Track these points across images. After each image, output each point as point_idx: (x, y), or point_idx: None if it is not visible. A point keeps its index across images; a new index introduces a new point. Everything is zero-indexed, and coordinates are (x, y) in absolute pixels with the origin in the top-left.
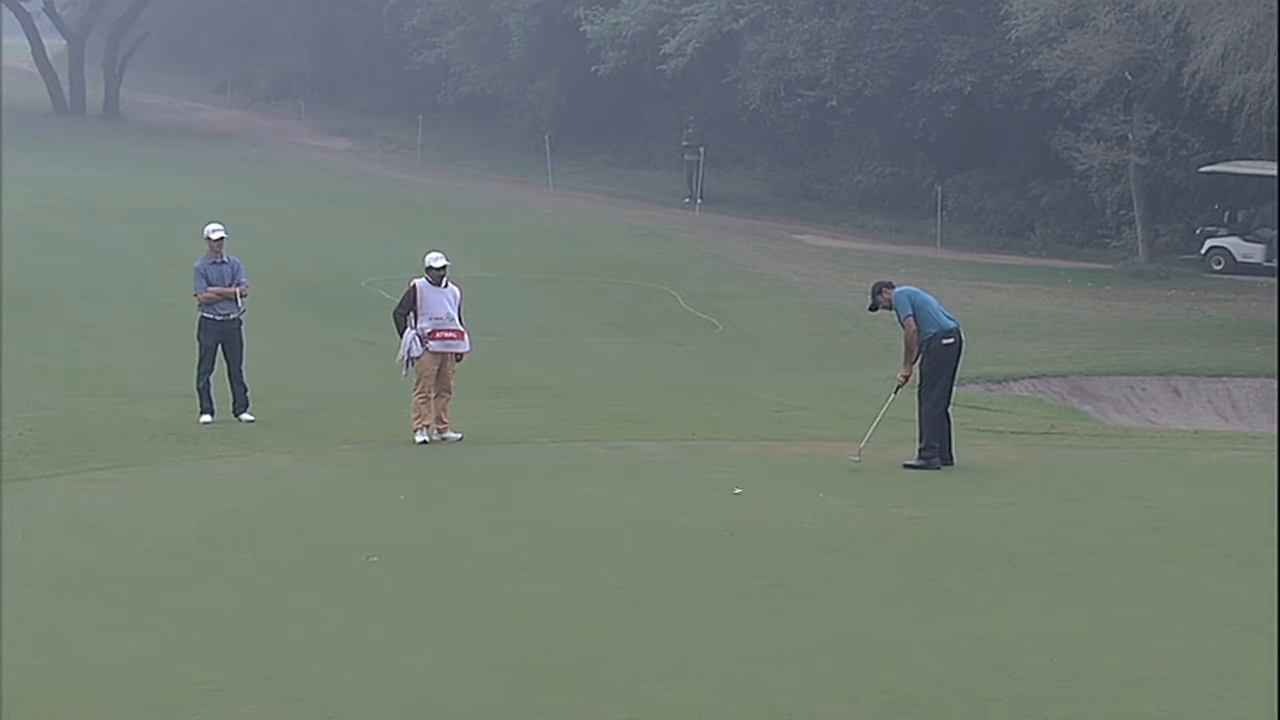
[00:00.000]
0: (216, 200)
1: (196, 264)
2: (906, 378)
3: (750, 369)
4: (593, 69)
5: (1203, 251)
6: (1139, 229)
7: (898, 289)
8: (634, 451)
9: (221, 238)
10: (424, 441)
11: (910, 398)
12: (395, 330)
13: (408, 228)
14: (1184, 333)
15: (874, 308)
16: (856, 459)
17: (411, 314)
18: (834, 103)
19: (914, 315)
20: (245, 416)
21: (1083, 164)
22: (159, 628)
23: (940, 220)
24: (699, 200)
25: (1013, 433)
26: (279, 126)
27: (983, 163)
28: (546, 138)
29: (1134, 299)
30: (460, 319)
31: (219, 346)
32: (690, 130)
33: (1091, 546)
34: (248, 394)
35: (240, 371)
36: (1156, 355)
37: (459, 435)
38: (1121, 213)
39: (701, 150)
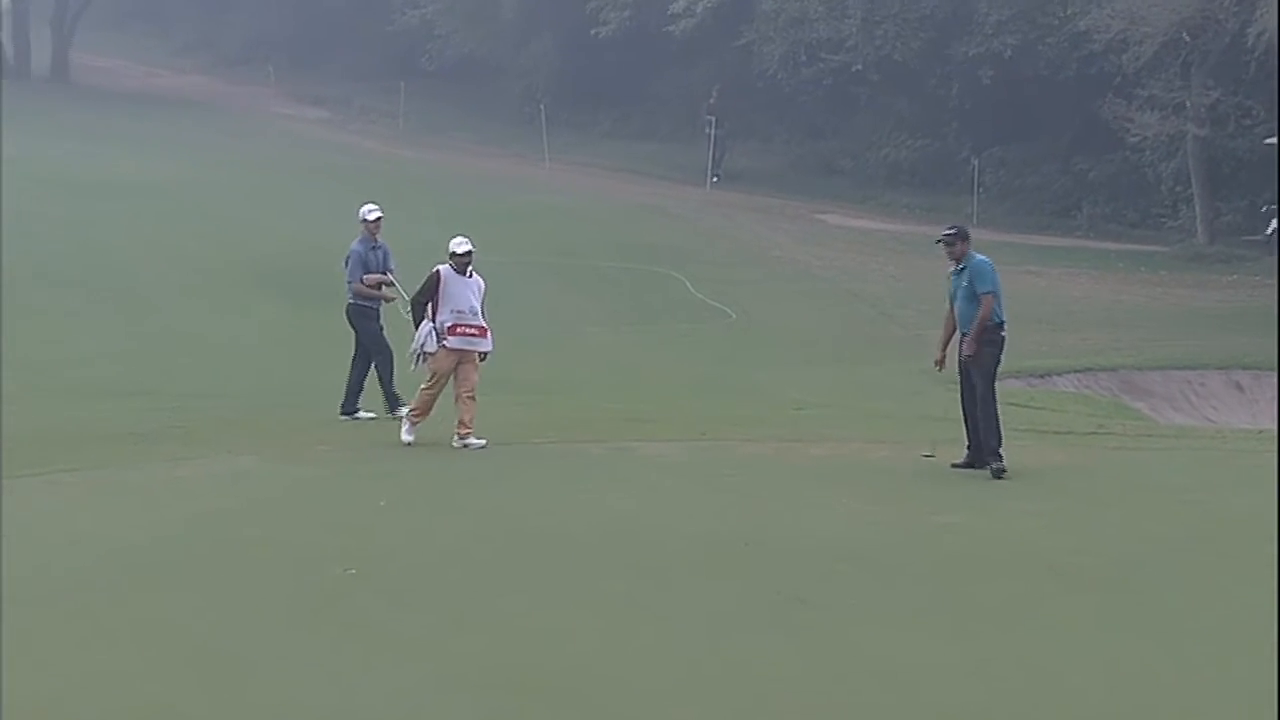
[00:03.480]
0: (179, 174)
1: (355, 246)
2: (972, 357)
3: (766, 362)
4: (593, 31)
5: (1268, 232)
6: (1198, 207)
7: (979, 256)
8: (639, 453)
9: (379, 218)
10: (409, 443)
11: (938, 393)
12: (411, 320)
13: (389, 206)
14: (1247, 322)
15: (948, 245)
16: (930, 455)
17: (431, 304)
18: (859, 68)
19: (994, 293)
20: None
21: (1135, 135)
22: (118, 643)
23: (976, 198)
24: (714, 178)
25: (1057, 432)
26: (247, 94)
27: (1024, 135)
28: (542, 107)
29: (1192, 285)
30: (484, 313)
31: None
32: (714, 100)
33: (1145, 559)
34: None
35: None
36: (1217, 347)
37: (483, 442)
38: (1178, 189)
39: (723, 123)
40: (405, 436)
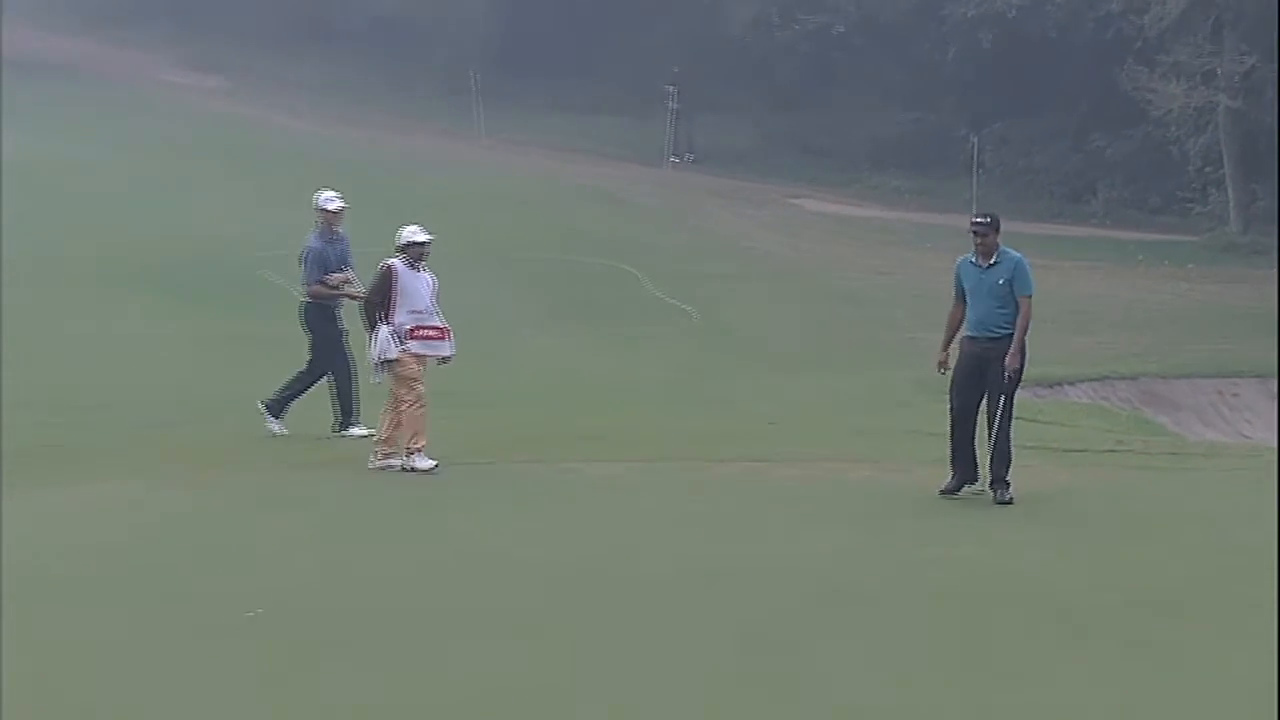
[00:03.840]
0: (46, 154)
1: (312, 242)
2: (1019, 370)
3: (734, 369)
4: None
5: None
6: (1230, 191)
7: (1014, 252)
8: (587, 475)
9: (342, 209)
10: (429, 468)
11: (930, 406)
12: (364, 324)
13: (296, 189)
14: None
15: (980, 236)
16: (981, 488)
17: (385, 305)
18: (841, 30)
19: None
20: (357, 431)
21: (1158, 109)
22: None
23: (976, 180)
24: (674, 158)
25: (1067, 451)
26: (130, 59)
27: (1030, 108)
28: (473, 76)
29: (1224, 279)
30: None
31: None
32: (676, 70)
33: (1168, 600)
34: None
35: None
36: (1253, 351)
37: (433, 463)
38: (1208, 170)
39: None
40: (421, 464)
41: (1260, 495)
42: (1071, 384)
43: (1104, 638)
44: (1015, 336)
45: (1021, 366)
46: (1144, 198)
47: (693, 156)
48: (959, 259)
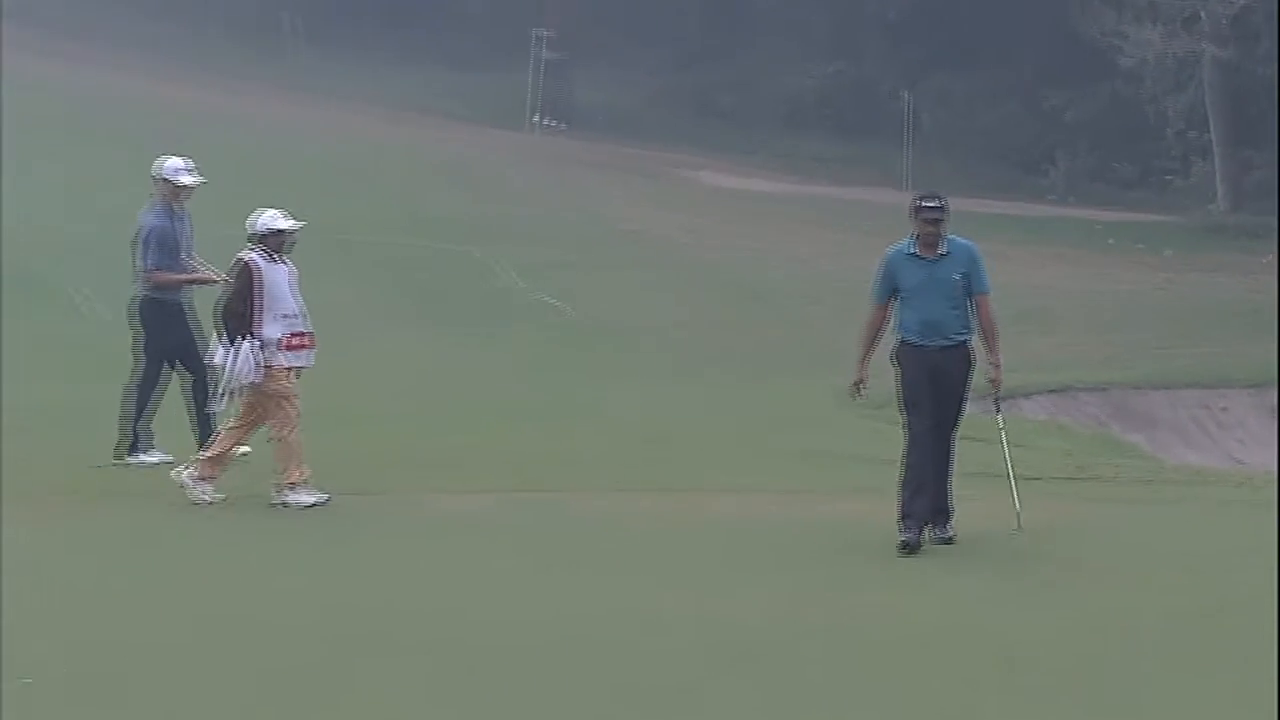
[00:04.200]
0: None
1: (151, 219)
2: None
3: (616, 377)
4: None
5: None
6: (1217, 160)
7: (963, 240)
8: (433, 509)
9: (197, 185)
10: (317, 503)
11: (854, 423)
12: (223, 337)
13: (64, 156)
14: None
15: (931, 222)
16: (1017, 529)
17: (247, 312)
18: None
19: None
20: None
21: (1130, 58)
22: None
23: (909, 147)
24: (543, 120)
25: (1022, 478)
26: None
27: (974, 58)
28: (289, 20)
29: (1211, 268)
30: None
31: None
32: (550, 14)
33: (1139, 657)
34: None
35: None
36: (1246, 356)
37: (319, 498)
38: (1191, 135)
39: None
40: (305, 498)
41: (1255, 533)
42: (1025, 396)
43: (1054, 696)
44: (991, 345)
45: (999, 380)
46: (1113, 169)
47: (566, 120)
48: (888, 250)
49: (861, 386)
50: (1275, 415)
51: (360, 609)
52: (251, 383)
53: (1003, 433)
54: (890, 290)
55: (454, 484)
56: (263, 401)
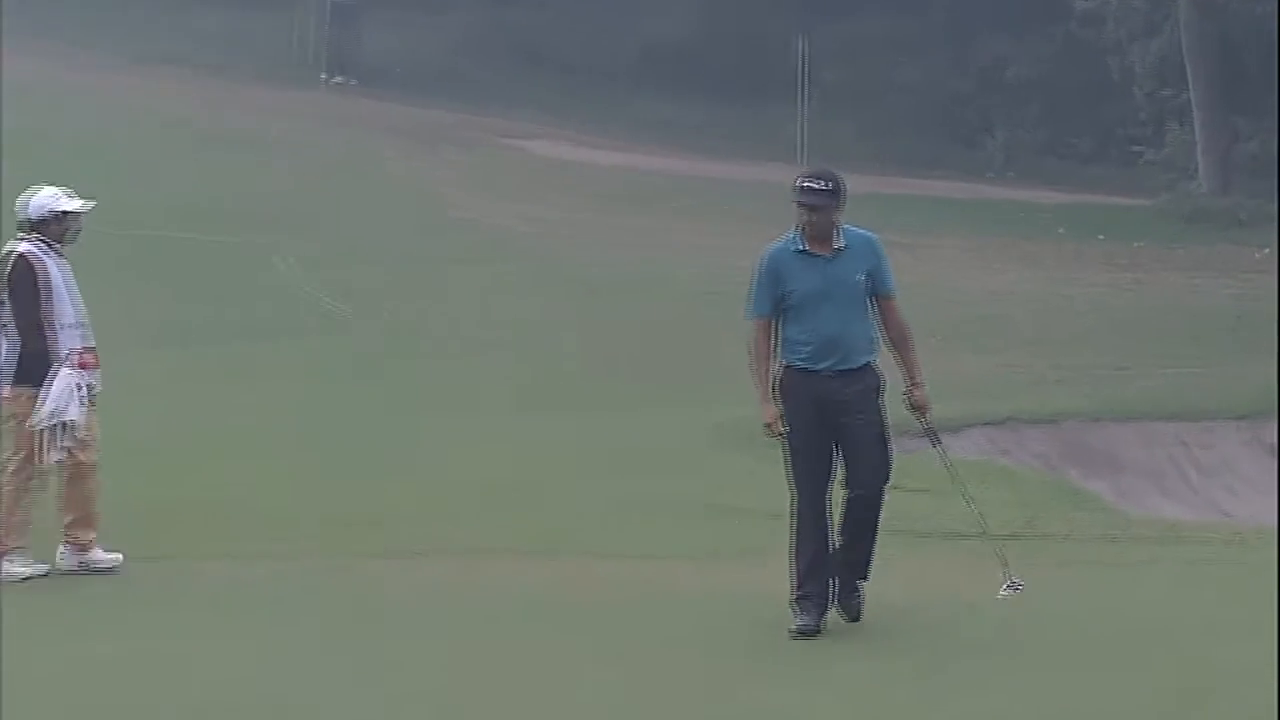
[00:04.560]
0: None
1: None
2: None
3: (423, 406)
4: None
5: None
6: (1198, 126)
7: (863, 231)
8: (191, 578)
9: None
10: (34, 575)
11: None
12: (24, 350)
13: None
14: None
15: (816, 208)
16: (1009, 589)
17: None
18: None
19: None
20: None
21: None
22: None
23: (804, 109)
24: (335, 78)
25: (949, 537)
26: None
27: None
28: None
29: (1190, 265)
30: None
31: None
32: None
33: None
34: None
35: None
36: (1233, 380)
37: (117, 557)
38: (1165, 94)
39: None
40: (104, 558)
41: (1247, 603)
42: (954, 432)
43: None
44: (907, 359)
45: (926, 407)
46: (1066, 139)
47: (354, 74)
48: (769, 248)
49: (777, 426)
50: (1275, 454)
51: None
52: (74, 423)
53: (950, 468)
54: (775, 299)
55: (216, 546)
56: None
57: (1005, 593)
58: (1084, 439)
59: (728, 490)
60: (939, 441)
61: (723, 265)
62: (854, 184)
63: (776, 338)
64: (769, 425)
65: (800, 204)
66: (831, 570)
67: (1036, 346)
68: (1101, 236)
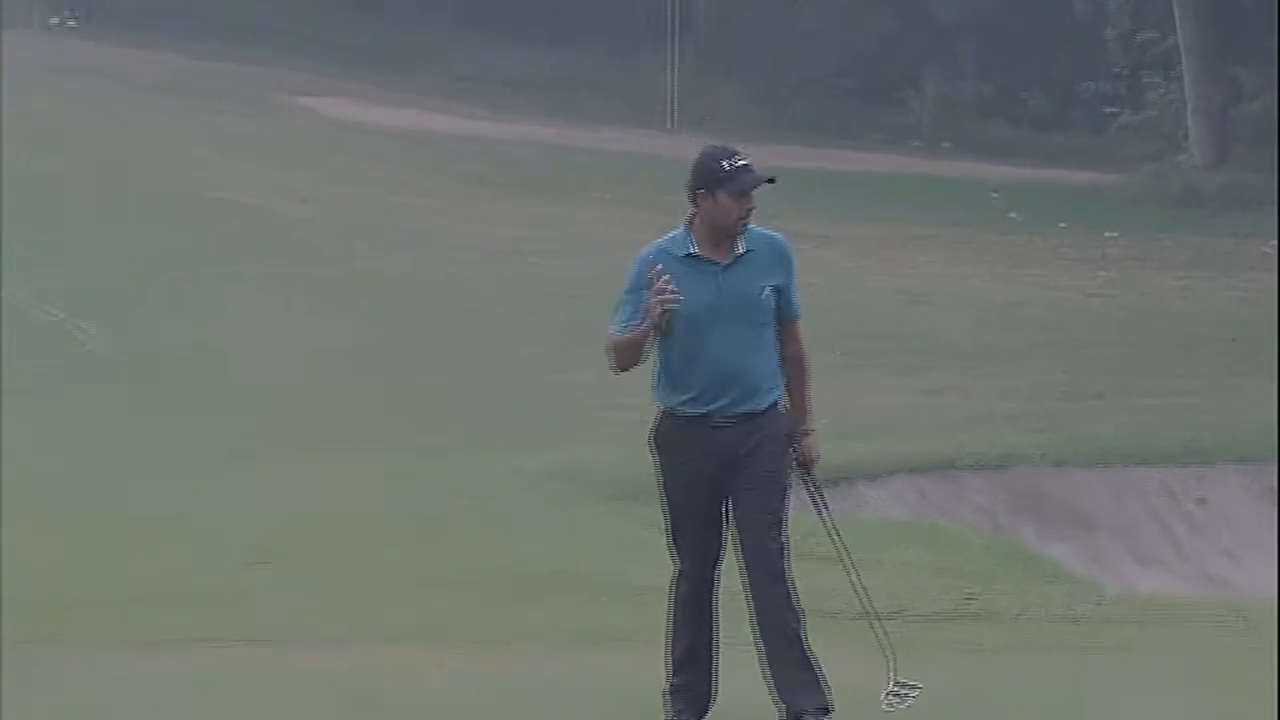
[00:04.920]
0: None
1: None
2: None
3: (186, 448)
4: None
5: None
6: (1187, 82)
7: (770, 231)
8: None
9: None
10: None
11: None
12: None
13: None
14: None
15: (739, 194)
16: (895, 697)
17: None
18: None
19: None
20: None
21: None
22: None
23: (674, 62)
24: (68, 19)
25: (876, 619)
26: None
27: None
28: None
29: (1178, 262)
30: None
31: None
32: None
33: None
34: None
35: None
36: (1231, 412)
37: None
38: (1146, 39)
39: None
40: None
41: (1251, 699)
42: (870, 480)
43: None
44: (800, 399)
45: (813, 460)
46: (1017, 96)
47: (89, 13)
48: (646, 249)
49: (662, 301)
50: (1276, 503)
51: None
52: None
53: (837, 540)
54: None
55: None
56: None
57: (890, 703)
58: (1041, 489)
59: (574, 554)
60: (825, 506)
61: (565, 266)
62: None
63: (660, 375)
64: (657, 306)
65: (732, 192)
66: (714, 659)
67: (979, 368)
68: (1063, 224)
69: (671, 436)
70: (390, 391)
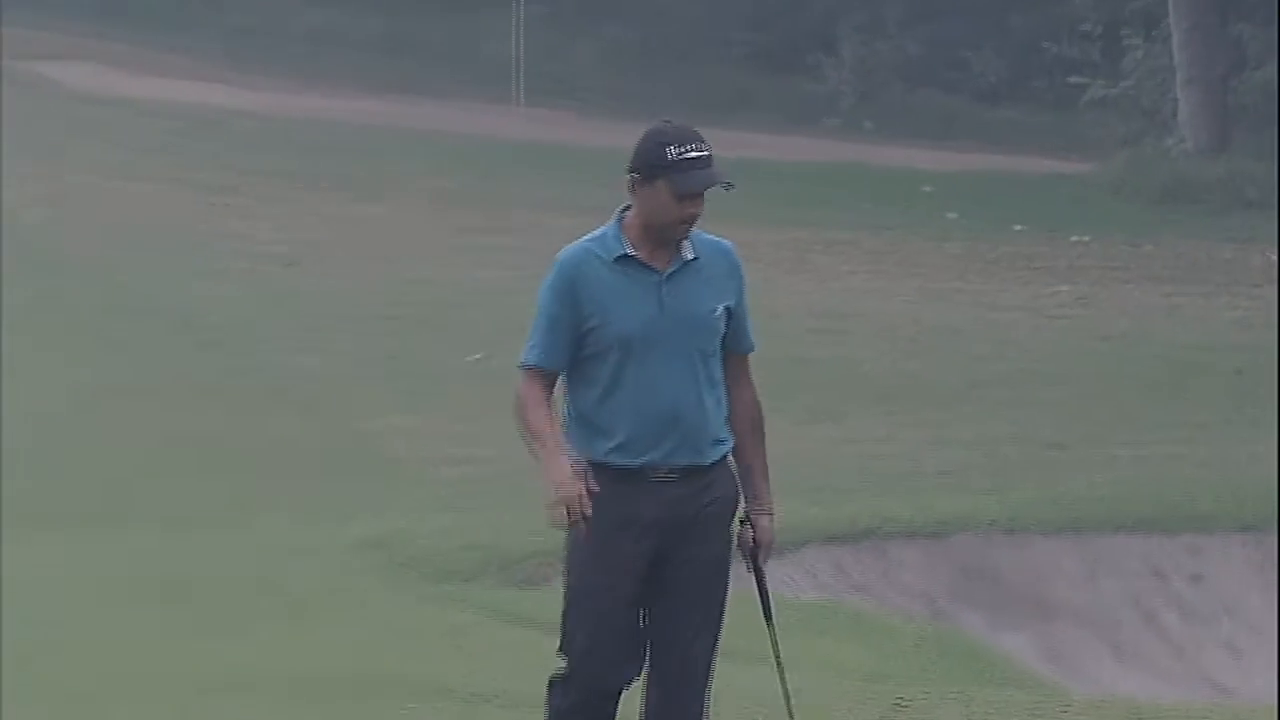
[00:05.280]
0: None
1: None
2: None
3: None
4: None
5: None
6: (1176, 45)
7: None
8: None
9: None
10: None
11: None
12: None
13: None
14: None
15: (703, 171)
16: None
17: None
18: None
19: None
20: None
21: None
22: None
23: (519, 19)
24: None
25: None
26: None
27: None
28: None
29: (1164, 276)
30: None
31: None
32: None
33: None
34: None
35: None
36: (1232, 468)
37: None
38: None
39: None
40: None
41: None
42: (780, 553)
43: None
44: (753, 460)
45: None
46: (957, 59)
47: None
48: (564, 254)
49: (582, 508)
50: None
51: None
52: None
53: (771, 632)
54: (570, 338)
55: None
56: None
57: None
58: (989, 563)
59: (384, 650)
60: (771, 612)
61: (376, 278)
62: (601, 136)
63: (574, 416)
64: (565, 503)
65: (675, 190)
66: None
67: (910, 410)
68: (1018, 227)
69: (597, 501)
70: (143, 442)
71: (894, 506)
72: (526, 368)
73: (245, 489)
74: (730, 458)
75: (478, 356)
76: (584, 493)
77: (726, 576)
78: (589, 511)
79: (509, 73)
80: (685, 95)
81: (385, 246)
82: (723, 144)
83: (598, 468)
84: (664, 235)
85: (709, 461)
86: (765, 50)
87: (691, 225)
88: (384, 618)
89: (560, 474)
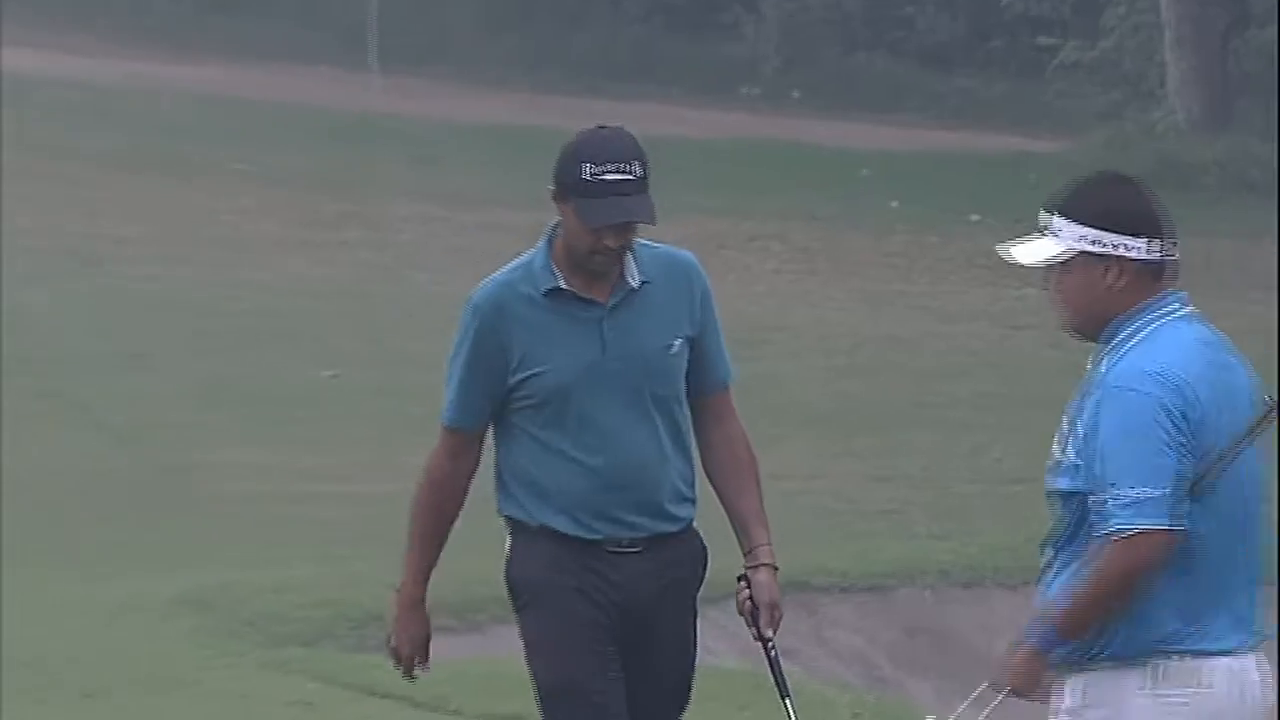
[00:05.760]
0: None
1: None
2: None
3: None
4: None
5: None
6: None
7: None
8: None
9: None
10: None
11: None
12: None
13: None
14: None
15: (630, 219)
16: None
17: None
18: None
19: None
20: None
21: None
22: None
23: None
24: None
25: None
26: None
27: None
28: None
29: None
30: None
31: None
32: None
33: None
34: None
35: None
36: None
37: None
38: None
39: None
40: None
41: None
42: (703, 612)
43: None
44: (746, 511)
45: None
46: (900, 16)
47: None
48: (484, 288)
49: (417, 659)
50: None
51: None
52: None
53: (788, 709)
54: (493, 392)
55: None
56: None
57: None
58: (941, 622)
59: None
60: (787, 688)
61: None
62: (473, 110)
63: (511, 473)
64: (396, 656)
65: (585, 219)
66: None
67: (846, 439)
68: (975, 217)
69: (537, 575)
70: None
71: (826, 555)
72: (444, 428)
73: (40, 535)
74: (695, 526)
75: (331, 374)
76: (415, 660)
77: (694, 649)
78: (421, 671)
79: (363, 34)
80: (576, 60)
81: (215, 241)
82: (621, 117)
83: (556, 535)
84: (580, 266)
85: (673, 530)
86: (671, 5)
87: (613, 259)
88: (212, 690)
89: (404, 629)
